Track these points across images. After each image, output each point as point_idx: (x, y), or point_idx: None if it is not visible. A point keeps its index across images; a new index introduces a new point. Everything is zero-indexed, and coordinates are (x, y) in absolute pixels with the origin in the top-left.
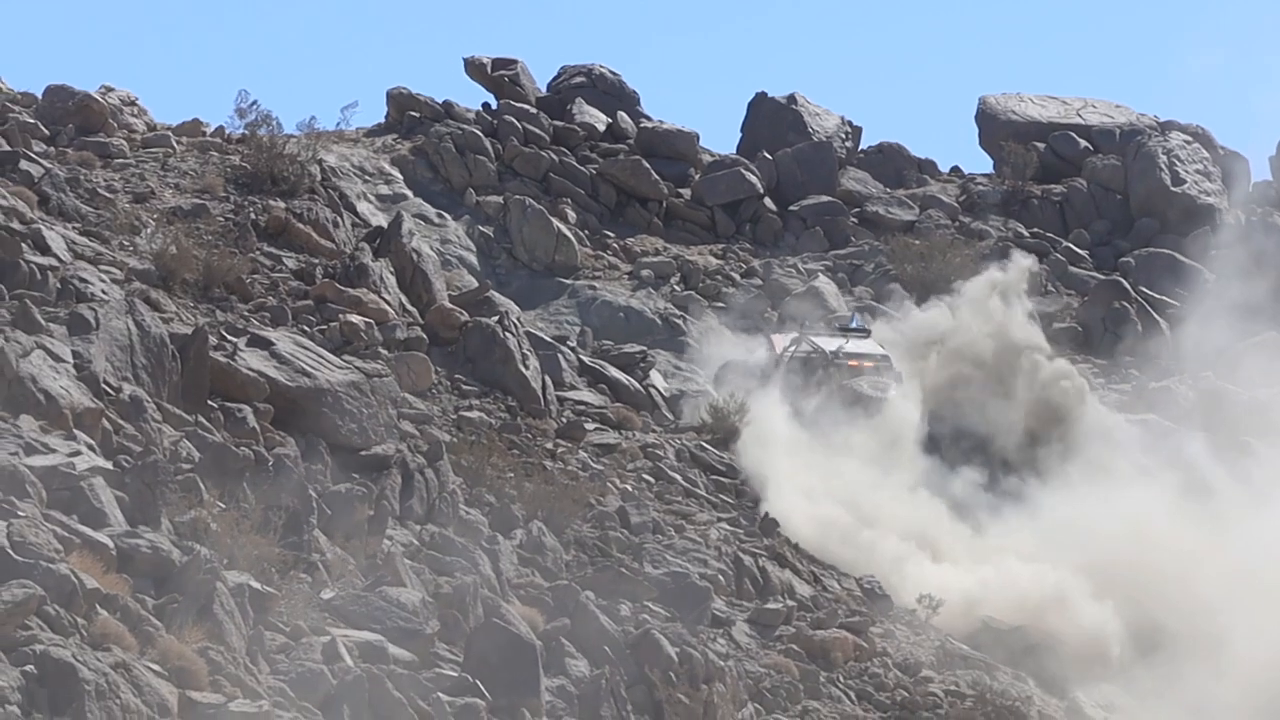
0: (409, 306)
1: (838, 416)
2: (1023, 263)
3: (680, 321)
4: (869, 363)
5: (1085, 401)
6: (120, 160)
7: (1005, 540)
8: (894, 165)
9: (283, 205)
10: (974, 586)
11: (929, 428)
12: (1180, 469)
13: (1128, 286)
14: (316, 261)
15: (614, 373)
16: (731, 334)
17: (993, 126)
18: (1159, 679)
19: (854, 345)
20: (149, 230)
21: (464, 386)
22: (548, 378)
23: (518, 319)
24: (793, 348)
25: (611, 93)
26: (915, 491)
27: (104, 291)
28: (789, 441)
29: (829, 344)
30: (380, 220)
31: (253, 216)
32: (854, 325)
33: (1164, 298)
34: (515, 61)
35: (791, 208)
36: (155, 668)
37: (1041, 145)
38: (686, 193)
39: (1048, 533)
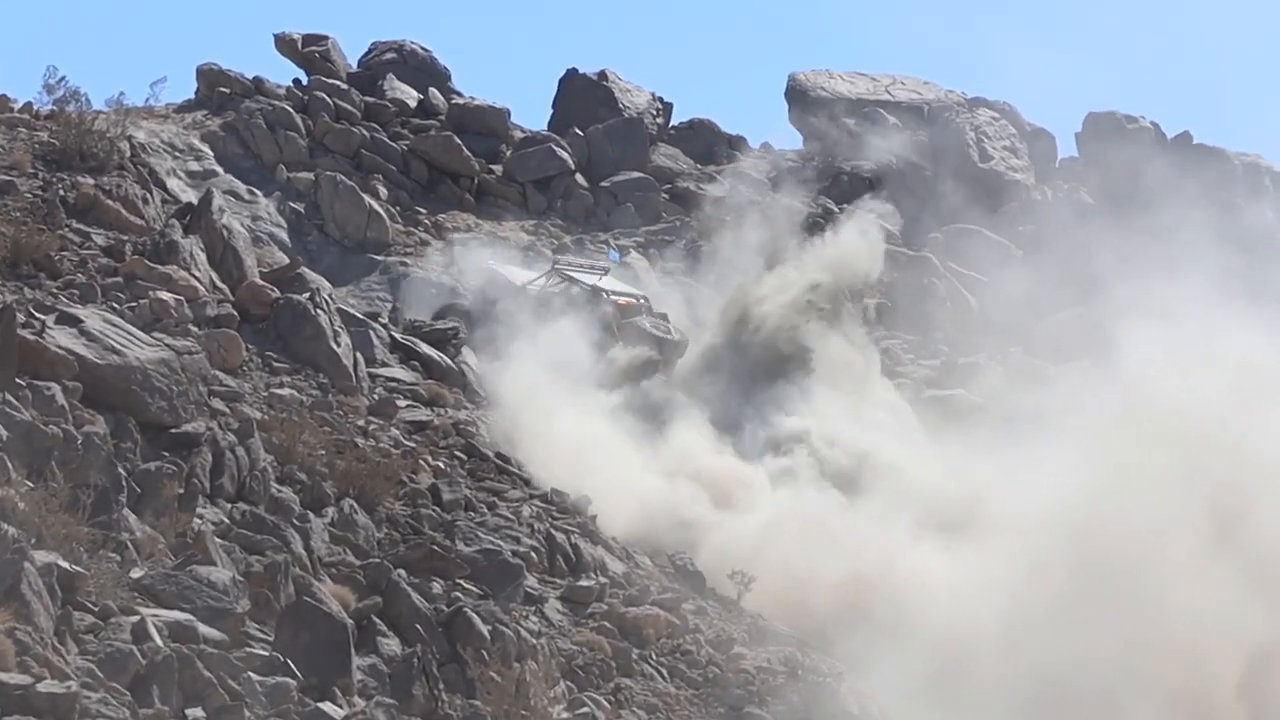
0: (219, 283)
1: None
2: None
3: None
4: (636, 301)
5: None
6: None
7: None
8: (705, 141)
9: (92, 182)
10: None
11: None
12: None
13: (937, 263)
14: (126, 238)
15: (426, 349)
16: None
17: (803, 103)
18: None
19: (611, 282)
20: None
21: (275, 364)
22: (359, 355)
23: (329, 296)
24: (543, 279)
25: (423, 69)
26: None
27: None
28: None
29: (588, 280)
30: (190, 197)
31: (61, 193)
32: (614, 260)
33: (972, 273)
34: (326, 37)
35: (603, 184)
36: None
37: (851, 121)
38: (498, 169)
39: None
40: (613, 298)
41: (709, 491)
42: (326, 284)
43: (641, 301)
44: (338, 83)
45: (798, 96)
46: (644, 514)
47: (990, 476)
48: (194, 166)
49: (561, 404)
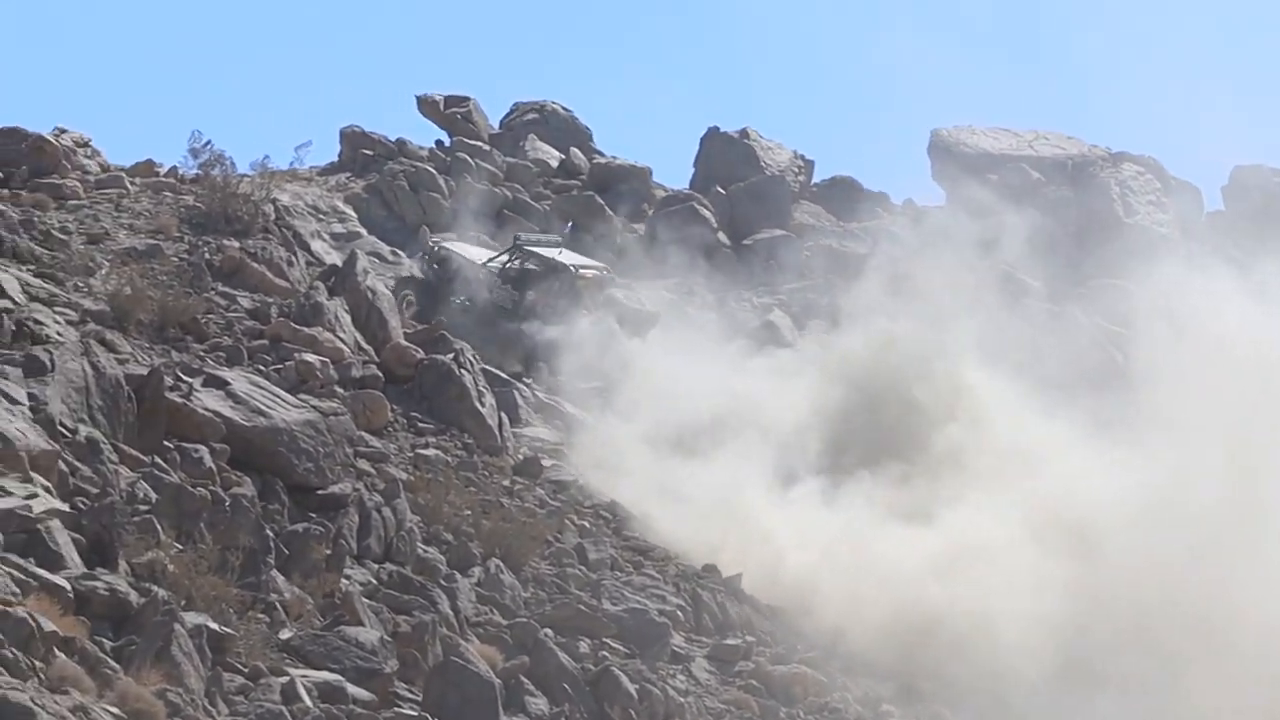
0: (364, 345)
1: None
2: None
3: None
4: (600, 272)
5: None
6: (74, 202)
7: None
8: (847, 198)
9: (237, 245)
10: None
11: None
12: None
13: (1083, 319)
14: (271, 301)
15: (569, 408)
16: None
17: (945, 158)
18: None
19: (568, 256)
20: (103, 271)
21: (420, 424)
22: (503, 414)
23: (472, 356)
24: (504, 256)
25: (564, 129)
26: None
27: (59, 333)
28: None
29: (550, 254)
30: (335, 259)
31: (207, 256)
32: (564, 231)
33: (1118, 329)
34: (468, 99)
35: (745, 242)
36: (114, 710)
37: (994, 177)
38: (640, 228)
39: None
40: (576, 270)
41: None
42: (469, 346)
43: (605, 273)
44: (480, 144)
45: (940, 152)
46: (791, 577)
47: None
48: (338, 229)
49: (696, 453)
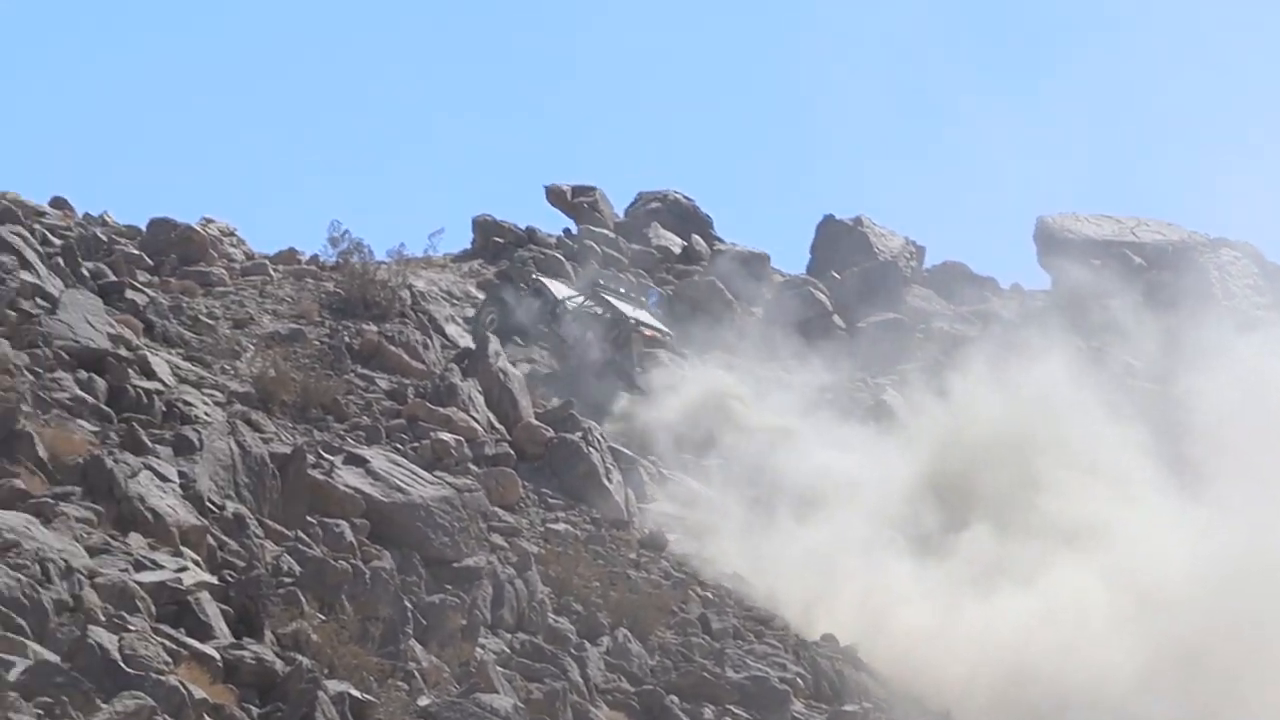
0: (497, 424)
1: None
2: None
3: None
4: (661, 335)
5: None
6: (221, 288)
7: None
8: (956, 282)
9: (375, 329)
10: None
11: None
12: None
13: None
14: (408, 382)
15: (691, 483)
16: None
17: (1051, 245)
18: None
19: (644, 315)
20: (249, 354)
21: (550, 500)
22: (630, 490)
23: (600, 434)
24: (580, 298)
25: (686, 217)
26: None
27: (207, 414)
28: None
29: (624, 307)
30: (468, 342)
31: (347, 340)
32: (651, 299)
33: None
34: (594, 189)
35: (859, 325)
36: None
37: (1097, 262)
38: (759, 311)
39: None
40: (640, 327)
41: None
42: (597, 424)
43: (666, 337)
44: (606, 231)
45: (1046, 238)
46: (905, 643)
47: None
48: (470, 313)
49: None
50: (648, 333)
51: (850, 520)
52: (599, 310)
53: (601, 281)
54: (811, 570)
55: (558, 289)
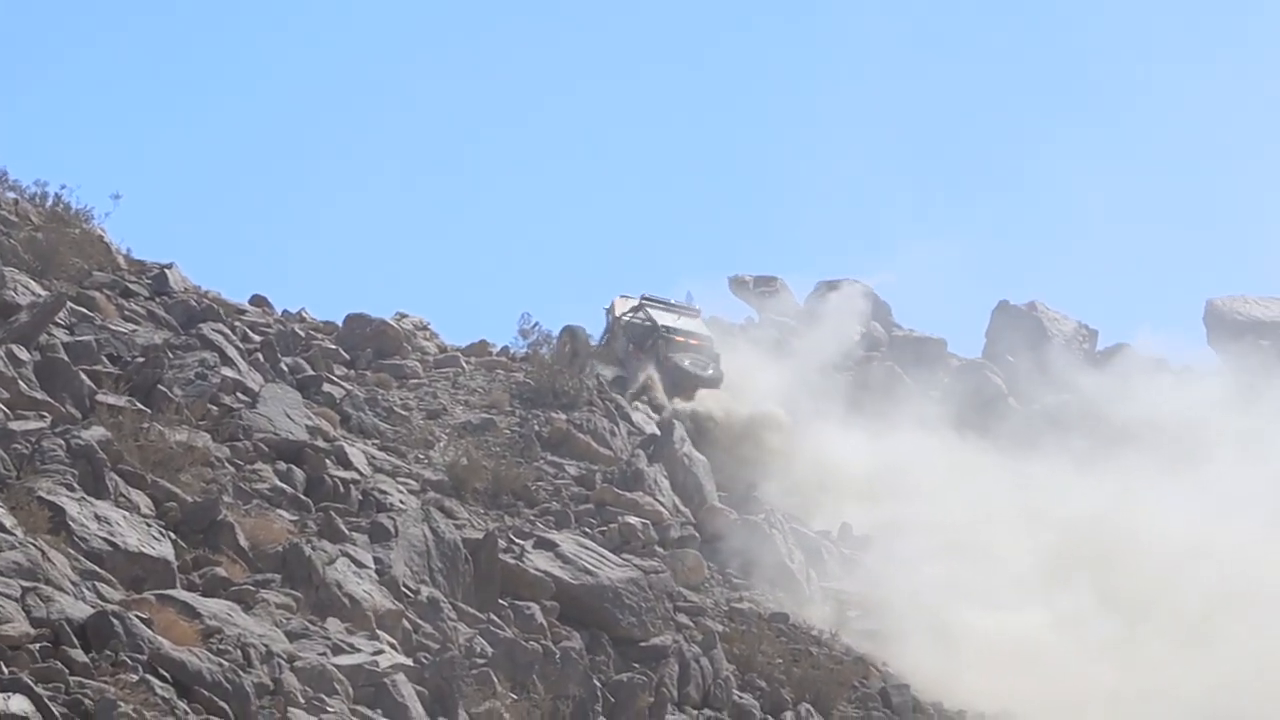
0: (681, 507)
1: None
2: None
3: None
4: (694, 340)
5: None
6: (414, 380)
7: None
8: (1128, 364)
9: (564, 417)
10: None
11: None
12: None
13: None
14: (596, 468)
15: (870, 560)
16: None
17: (1220, 326)
18: None
19: (685, 323)
20: (442, 444)
21: (734, 580)
22: (812, 570)
23: (782, 515)
24: (630, 314)
25: (865, 304)
26: None
27: (402, 502)
28: None
29: (663, 317)
30: (653, 429)
31: (536, 428)
32: (687, 302)
33: None
34: (775, 279)
35: (1034, 406)
36: None
37: (1265, 343)
38: (936, 394)
39: None
40: (670, 333)
41: None
42: (778, 505)
43: (698, 342)
44: (787, 319)
45: (1215, 320)
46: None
47: None
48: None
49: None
50: (678, 338)
51: (1019, 592)
52: (641, 321)
53: (649, 296)
54: (995, 650)
55: (619, 305)
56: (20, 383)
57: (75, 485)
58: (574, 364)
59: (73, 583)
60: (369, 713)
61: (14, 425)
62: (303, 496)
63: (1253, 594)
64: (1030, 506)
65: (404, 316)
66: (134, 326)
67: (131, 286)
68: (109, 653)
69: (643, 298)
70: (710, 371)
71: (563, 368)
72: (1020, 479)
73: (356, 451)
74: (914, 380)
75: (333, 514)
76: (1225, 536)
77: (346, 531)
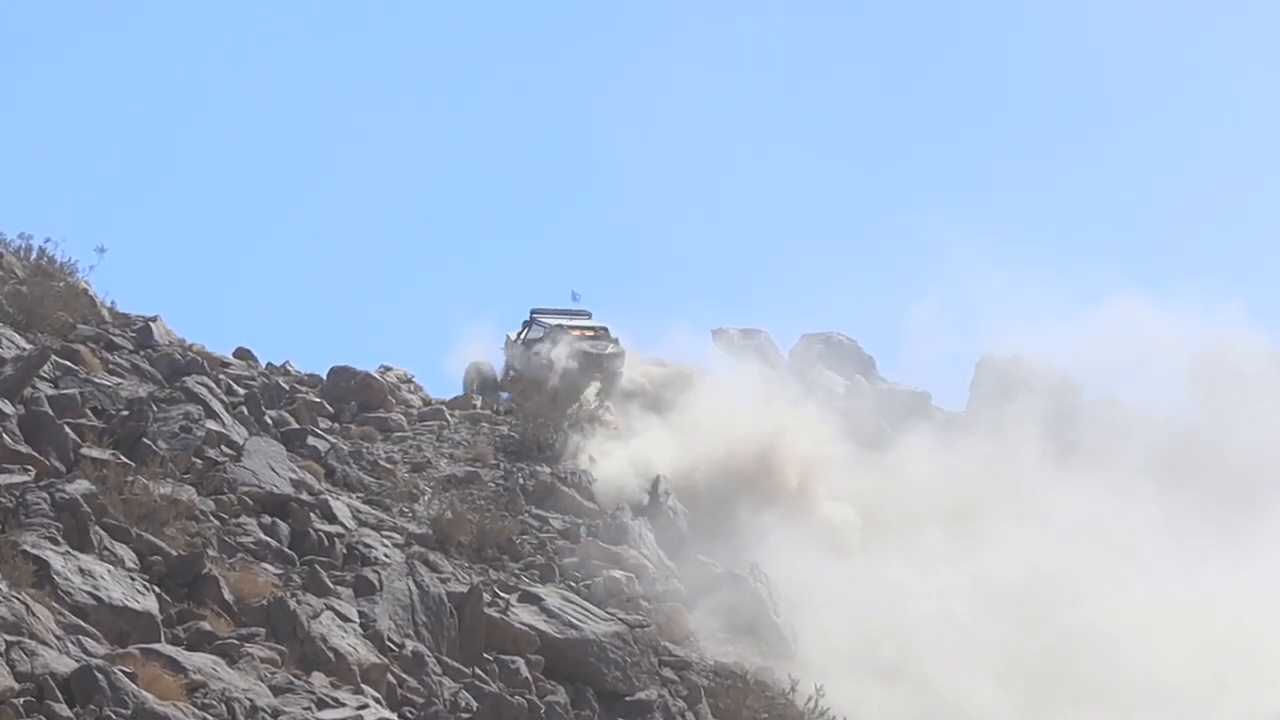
0: (667, 561)
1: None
2: None
3: None
4: (590, 331)
5: None
6: (399, 433)
7: None
8: (1112, 417)
9: (548, 470)
10: None
11: None
12: None
13: None
14: (580, 522)
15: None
16: None
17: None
18: None
19: (577, 320)
20: (426, 497)
21: (719, 634)
22: (795, 623)
23: (765, 571)
24: (524, 331)
25: (849, 358)
26: None
27: (386, 555)
28: None
29: (554, 320)
30: (632, 477)
31: (521, 481)
32: (575, 305)
33: None
34: (760, 331)
35: None
36: None
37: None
38: (921, 449)
39: None
40: (572, 331)
41: None
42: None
43: (594, 332)
44: (772, 373)
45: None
46: None
47: None
48: None
49: None
50: (574, 331)
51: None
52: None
53: (536, 309)
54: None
55: (510, 335)
56: (4, 436)
57: (60, 539)
58: (486, 397)
59: (57, 637)
60: None
61: None
62: (287, 550)
63: None
64: None
65: (388, 370)
66: (119, 380)
67: (116, 340)
68: (93, 707)
69: (531, 312)
70: (610, 349)
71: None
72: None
73: (341, 505)
74: (899, 433)
75: (317, 568)
76: None
77: (331, 585)
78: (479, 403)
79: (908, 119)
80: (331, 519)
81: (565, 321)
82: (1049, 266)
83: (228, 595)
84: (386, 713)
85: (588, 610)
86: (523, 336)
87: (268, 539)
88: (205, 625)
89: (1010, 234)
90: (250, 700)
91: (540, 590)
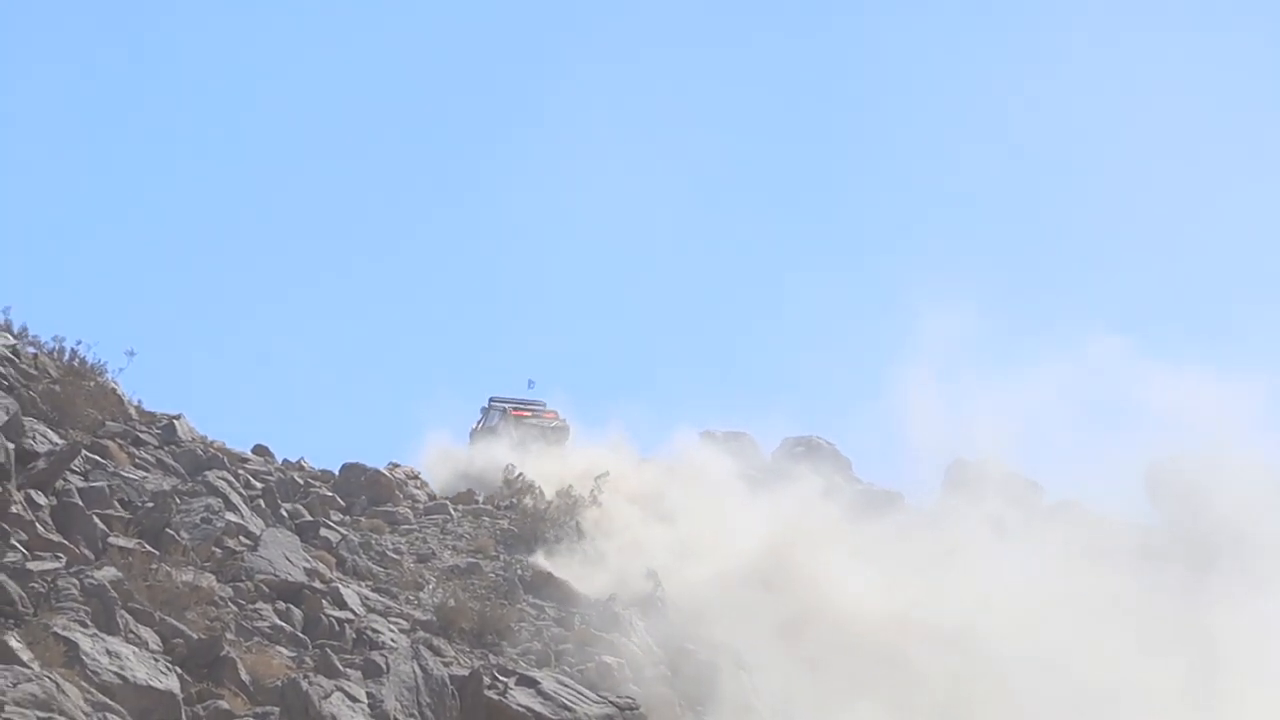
0: (655, 648)
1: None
2: None
3: None
4: (545, 413)
5: None
6: (406, 526)
7: None
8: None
9: (545, 561)
10: None
11: None
12: None
13: None
14: (575, 610)
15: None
16: None
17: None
18: None
19: (526, 403)
20: (431, 586)
21: (704, 716)
22: (778, 708)
23: (748, 658)
24: (483, 420)
25: (828, 459)
26: None
27: (393, 640)
28: None
29: (508, 404)
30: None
31: (519, 572)
32: (528, 390)
33: None
34: (744, 434)
35: None
36: None
37: None
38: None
39: None
40: (512, 413)
41: None
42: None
43: (549, 414)
44: (754, 474)
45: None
46: None
47: None
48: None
49: None
50: (515, 411)
51: None
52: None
53: (494, 398)
54: None
55: (471, 425)
56: (38, 525)
57: (88, 622)
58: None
59: (85, 714)
60: None
61: (32, 565)
62: (301, 634)
63: None
64: None
65: (396, 466)
66: (144, 473)
67: (142, 436)
68: None
69: (490, 399)
70: (564, 424)
71: (543, 515)
72: None
73: (351, 592)
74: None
75: (329, 651)
76: None
77: (341, 667)
78: (481, 498)
79: (897, 206)
80: (342, 605)
81: (507, 406)
82: (1024, 361)
83: (245, 676)
84: None
85: (581, 693)
86: (480, 425)
87: (282, 624)
88: (223, 704)
89: (994, 327)
90: None
91: (537, 674)
